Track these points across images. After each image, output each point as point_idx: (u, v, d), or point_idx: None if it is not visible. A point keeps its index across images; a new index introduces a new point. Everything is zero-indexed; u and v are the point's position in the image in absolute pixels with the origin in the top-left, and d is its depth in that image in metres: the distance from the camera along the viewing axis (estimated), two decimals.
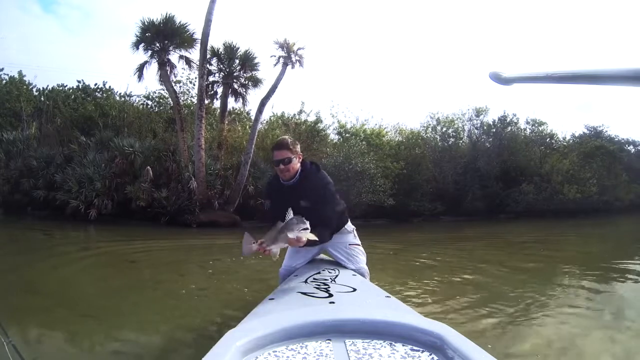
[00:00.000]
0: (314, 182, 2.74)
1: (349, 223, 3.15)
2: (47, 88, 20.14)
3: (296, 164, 2.73)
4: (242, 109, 19.52)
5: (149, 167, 14.08)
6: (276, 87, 15.71)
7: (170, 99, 17.16)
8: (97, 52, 50.90)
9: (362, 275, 2.92)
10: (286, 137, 2.87)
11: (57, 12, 61.62)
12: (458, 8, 63.99)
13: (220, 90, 17.43)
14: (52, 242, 9.42)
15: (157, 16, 15.32)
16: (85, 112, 17.63)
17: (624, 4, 57.61)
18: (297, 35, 31.77)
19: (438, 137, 20.55)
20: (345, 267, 2.92)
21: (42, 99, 19.40)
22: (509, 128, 20.84)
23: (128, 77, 41.28)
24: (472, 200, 18.48)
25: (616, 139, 23.05)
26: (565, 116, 46.46)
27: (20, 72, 20.58)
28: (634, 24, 58.55)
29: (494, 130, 20.63)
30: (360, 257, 3.08)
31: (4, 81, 20.18)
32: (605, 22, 59.43)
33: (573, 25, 60.51)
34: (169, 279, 5.28)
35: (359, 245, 3.12)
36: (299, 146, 2.80)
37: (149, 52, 15.54)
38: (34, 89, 20.40)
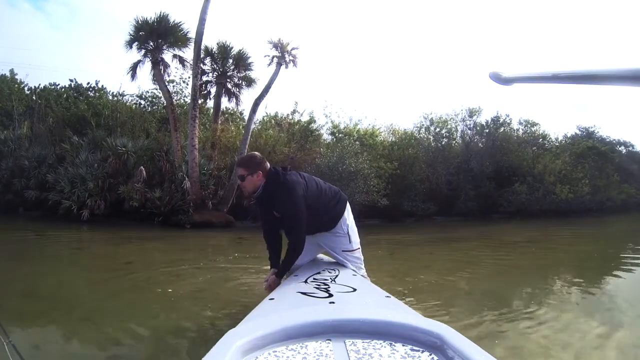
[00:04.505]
0: (274, 192, 2.85)
1: (344, 222, 3.10)
2: (39, 87, 20.01)
3: (253, 180, 2.88)
4: (235, 109, 19.50)
5: (142, 167, 14.01)
6: (270, 87, 15.72)
7: (163, 99, 17.10)
8: (85, 50, 50.59)
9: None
10: (253, 154, 3.05)
11: (45, 8, 61.20)
12: (452, 8, 64.20)
13: (213, 90, 17.40)
14: (45, 243, 9.34)
15: (139, 13, 15.26)
16: (77, 111, 17.50)
17: (624, 4, 58.05)
18: (291, 35, 31.82)
19: (431, 137, 20.59)
20: (345, 267, 2.93)
21: (34, 97, 19.24)
22: (502, 129, 20.93)
23: (118, 75, 41.29)
24: (465, 201, 18.54)
25: (607, 140, 23.29)
26: (560, 117, 46.78)
27: (12, 71, 20.47)
28: (634, 24, 59.01)
29: (487, 130, 20.70)
30: (356, 263, 3.08)
31: None
32: (605, 22, 59.87)
33: (573, 25, 60.91)
34: (166, 280, 5.25)
35: (354, 250, 3.09)
36: (261, 163, 2.92)
37: (143, 51, 15.46)
38: (26, 88, 20.26)
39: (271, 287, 2.84)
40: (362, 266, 3.14)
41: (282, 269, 2.88)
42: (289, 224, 2.87)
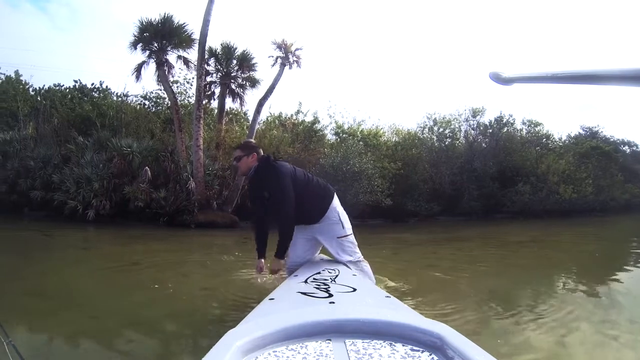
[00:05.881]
0: (266, 175, 3.16)
1: (334, 210, 3.30)
2: (43, 88, 20.09)
3: (247, 161, 3.23)
4: (239, 110, 19.52)
5: (147, 167, 14.04)
6: (274, 88, 15.73)
7: (167, 99, 17.16)
8: (88, 50, 50.79)
9: (359, 263, 3.23)
10: (249, 140, 3.40)
11: (47, 9, 61.46)
12: (455, 8, 64.07)
13: (217, 90, 17.45)
14: (51, 243, 9.39)
15: (141, 15, 15.31)
16: (82, 112, 17.55)
17: (624, 4, 57.83)
18: (294, 35, 31.81)
19: (435, 137, 20.53)
20: (345, 267, 2.97)
21: (39, 98, 19.31)
22: (505, 129, 20.87)
23: (121, 76, 41.46)
24: (469, 201, 18.51)
25: (611, 140, 23.25)
26: (564, 117, 46.77)
27: (17, 72, 20.53)
28: (634, 24, 58.77)
29: (491, 130, 20.63)
30: (352, 247, 3.28)
31: (0, 81, 20.11)
32: (605, 22, 59.66)
33: (573, 25, 60.71)
34: (172, 279, 5.26)
35: (347, 235, 3.29)
36: (256, 147, 3.34)
37: (147, 52, 15.53)
38: (31, 89, 20.33)
39: (271, 270, 3.25)
40: (357, 250, 3.32)
41: (280, 248, 3.16)
42: (278, 199, 3.08)
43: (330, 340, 1.28)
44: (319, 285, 2.21)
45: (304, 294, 2.01)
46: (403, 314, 1.51)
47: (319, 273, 2.62)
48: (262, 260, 3.34)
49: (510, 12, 61.70)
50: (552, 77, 0.99)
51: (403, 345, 1.24)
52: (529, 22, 62.00)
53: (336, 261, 3.20)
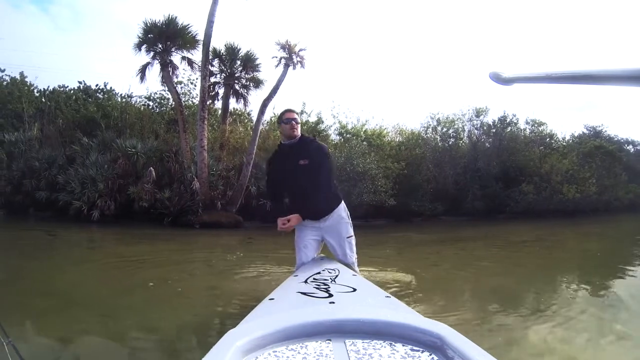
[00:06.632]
0: (310, 144, 3.30)
1: (343, 209, 3.41)
2: (48, 89, 20.18)
3: (299, 127, 3.33)
4: (243, 110, 19.53)
5: (151, 168, 14.10)
6: (278, 88, 15.70)
7: (171, 100, 17.20)
8: (90, 51, 50.85)
9: (353, 264, 3.32)
10: None
11: (50, 10, 61.67)
12: (458, 8, 63.97)
13: (221, 91, 17.45)
14: (56, 243, 9.44)
15: (143, 16, 15.35)
16: (87, 113, 17.64)
17: (624, 4, 57.62)
18: (298, 36, 31.75)
19: (438, 137, 20.48)
20: (345, 267, 2.96)
21: (44, 100, 19.40)
22: (509, 128, 20.77)
23: (124, 76, 41.61)
24: (472, 201, 18.41)
25: (615, 139, 23.10)
26: (567, 116, 46.58)
27: (21, 74, 20.59)
28: (634, 24, 58.54)
29: (494, 130, 20.56)
30: (354, 248, 3.40)
31: (5, 82, 20.21)
32: (605, 22, 59.44)
33: (573, 26, 60.53)
34: (178, 279, 5.27)
35: (353, 235, 3.41)
36: None
37: (151, 53, 15.57)
38: (35, 90, 20.40)
39: (289, 225, 3.20)
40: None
41: (308, 211, 3.26)
42: (323, 172, 3.22)
43: (330, 340, 1.28)
44: (319, 285, 2.21)
45: (304, 294, 2.01)
46: (403, 314, 1.50)
47: (319, 273, 2.62)
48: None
49: (511, 12, 61.48)
50: (552, 77, 0.98)
51: (403, 345, 1.23)
52: (529, 22, 61.72)
53: (336, 261, 3.21)
